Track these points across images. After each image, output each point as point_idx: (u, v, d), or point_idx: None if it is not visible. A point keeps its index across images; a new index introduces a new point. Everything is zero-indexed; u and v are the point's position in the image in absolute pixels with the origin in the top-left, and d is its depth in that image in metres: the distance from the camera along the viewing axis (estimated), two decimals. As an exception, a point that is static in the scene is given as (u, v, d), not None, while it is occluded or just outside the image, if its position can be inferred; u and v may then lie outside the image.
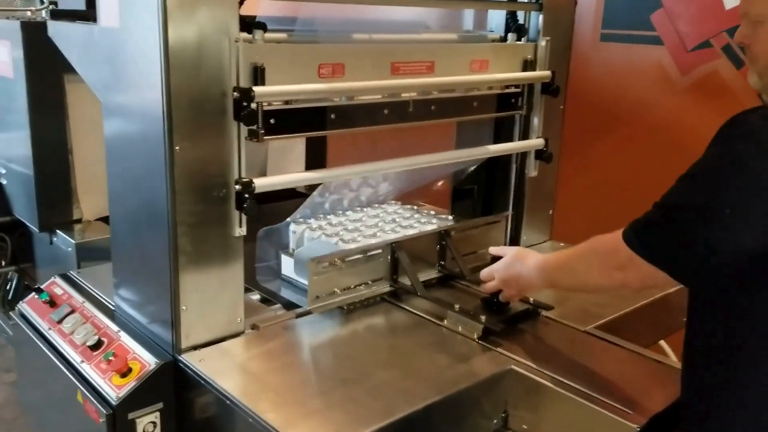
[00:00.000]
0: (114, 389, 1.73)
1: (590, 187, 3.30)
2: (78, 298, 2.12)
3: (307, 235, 2.27)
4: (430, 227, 2.41)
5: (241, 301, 1.87)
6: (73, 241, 2.58)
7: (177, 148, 1.66)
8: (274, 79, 1.76)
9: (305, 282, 2.04)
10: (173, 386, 1.78)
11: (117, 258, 2.01)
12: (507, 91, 2.45)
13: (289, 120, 1.86)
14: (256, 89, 1.71)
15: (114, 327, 1.94)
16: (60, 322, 2.03)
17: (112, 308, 2.05)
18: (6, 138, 2.83)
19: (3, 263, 3.06)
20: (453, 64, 2.21)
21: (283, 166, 3.00)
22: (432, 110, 2.21)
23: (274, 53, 1.78)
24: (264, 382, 1.68)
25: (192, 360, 1.75)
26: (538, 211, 2.70)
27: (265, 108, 1.78)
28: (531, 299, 2.04)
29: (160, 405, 1.77)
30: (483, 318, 1.88)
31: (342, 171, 2.06)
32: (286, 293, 2.19)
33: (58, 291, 2.19)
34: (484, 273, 1.95)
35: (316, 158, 3.22)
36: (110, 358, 1.81)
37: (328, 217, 2.43)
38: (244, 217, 1.79)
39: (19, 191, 2.82)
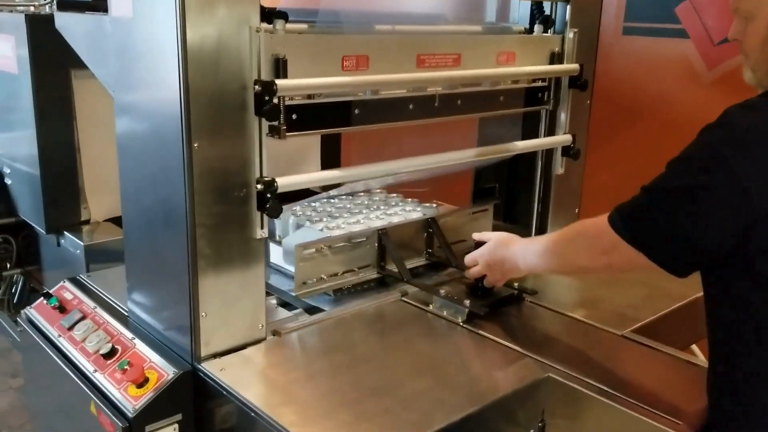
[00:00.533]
0: (130, 400, 1.64)
1: (614, 184, 3.19)
2: (89, 303, 2.03)
3: (292, 221, 2.24)
4: (415, 215, 2.37)
5: (263, 306, 1.78)
6: (81, 243, 2.48)
7: (195, 145, 1.56)
8: (296, 72, 1.67)
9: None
10: (192, 397, 1.69)
11: (130, 261, 1.91)
12: (534, 85, 2.36)
13: (311, 115, 1.77)
14: (279, 82, 1.62)
15: (128, 334, 1.84)
16: (71, 328, 1.94)
17: (126, 314, 1.95)
18: (11, 137, 2.73)
19: (8, 266, 2.97)
20: (479, 56, 2.12)
21: (298, 166, 2.90)
22: (458, 105, 2.12)
23: (297, 44, 1.69)
24: (289, 393, 1.59)
25: (212, 369, 1.65)
26: (563, 210, 2.60)
27: (287, 103, 1.68)
28: (516, 284, 2.08)
29: (179, 416, 1.67)
30: (467, 302, 1.90)
31: (365, 170, 1.96)
32: (276, 281, 2.15)
33: (68, 296, 2.10)
34: (468, 258, 1.97)
35: (330, 157, 3.13)
36: (125, 367, 1.71)
37: (314, 204, 2.43)
38: (265, 219, 1.69)
39: (24, 191, 2.72)
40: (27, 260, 2.98)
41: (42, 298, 2.10)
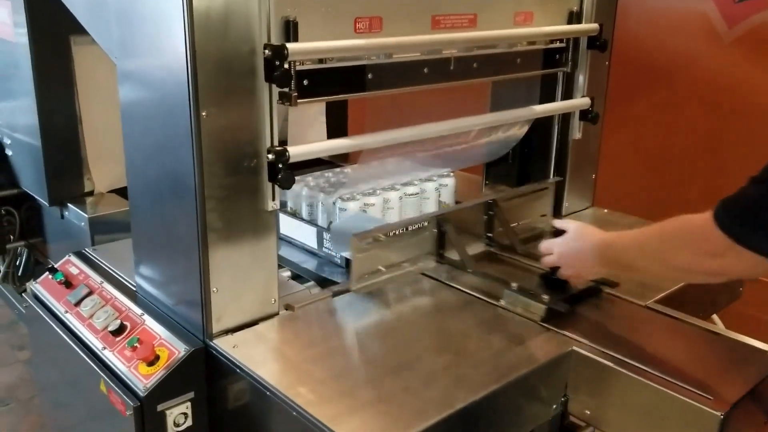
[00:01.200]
0: (141, 379, 1.59)
1: (631, 148, 3.12)
2: (96, 278, 1.97)
3: (306, 193, 2.17)
4: (431, 184, 2.25)
5: (275, 280, 1.72)
6: (86, 215, 2.42)
7: (203, 114, 1.49)
8: (307, 35, 1.59)
9: (345, 254, 1.95)
10: (205, 374, 1.64)
11: (137, 234, 1.85)
12: (551, 46, 2.26)
13: (323, 80, 1.68)
14: (290, 46, 1.53)
15: (137, 310, 1.79)
16: (78, 304, 1.89)
17: (134, 289, 1.90)
18: (10, 107, 2.66)
19: (11, 238, 2.92)
20: (496, 17, 2.03)
21: (305, 136, 2.82)
22: (474, 68, 2.03)
23: (307, 5, 1.60)
24: (305, 371, 1.53)
25: (225, 346, 1.60)
26: (581, 176, 2.53)
27: (298, 68, 1.60)
28: None
29: (191, 395, 1.63)
30: (545, 297, 1.71)
31: (379, 137, 1.87)
32: (287, 253, 2.12)
33: (73, 270, 2.04)
34: (544, 245, 1.79)
35: (336, 127, 3.04)
36: (135, 344, 1.66)
37: (326, 174, 2.35)
38: (277, 190, 1.63)
39: (26, 163, 2.65)
40: (31, 233, 2.93)
41: (47, 272, 2.05)
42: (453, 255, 2.00)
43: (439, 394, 1.44)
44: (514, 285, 1.77)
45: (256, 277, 1.68)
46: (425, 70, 1.91)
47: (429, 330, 1.73)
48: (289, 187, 1.61)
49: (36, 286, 2.04)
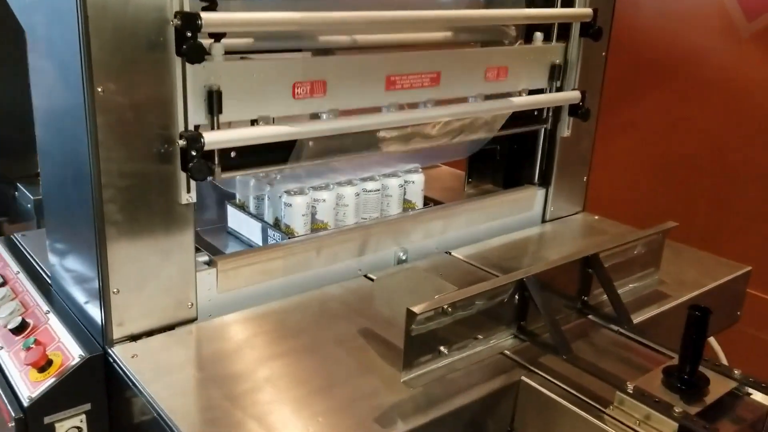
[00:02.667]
0: (28, 387, 1.40)
1: (631, 150, 2.86)
2: (14, 267, 1.80)
3: (254, 183, 1.87)
4: (395, 180, 1.98)
5: (192, 282, 1.52)
6: (31, 197, 2.25)
7: (99, 90, 1.29)
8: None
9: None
10: (104, 384, 1.45)
11: (48, 222, 1.68)
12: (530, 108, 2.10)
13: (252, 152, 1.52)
14: (205, 15, 1.33)
15: (44, 306, 1.61)
16: (-12, 295, 1.71)
17: (50, 282, 1.72)
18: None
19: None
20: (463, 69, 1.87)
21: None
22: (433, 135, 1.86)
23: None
24: (201, 393, 1.33)
25: (122, 355, 1.41)
26: (570, 178, 2.29)
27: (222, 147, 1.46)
28: (736, 370, 1.40)
29: (87, 406, 1.44)
30: (678, 410, 1.25)
31: (334, 124, 1.65)
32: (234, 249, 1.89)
33: (-6, 257, 1.87)
34: None
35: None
36: (31, 345, 1.48)
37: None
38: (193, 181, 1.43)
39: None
40: (-7, 212, 2.78)
41: (-33, 258, 1.88)
42: (537, 324, 1.54)
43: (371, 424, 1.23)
44: (629, 386, 1.31)
45: (168, 278, 1.48)
46: (381, 134, 1.74)
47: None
48: (202, 178, 1.41)
49: (-45, 273, 1.87)
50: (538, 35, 2.05)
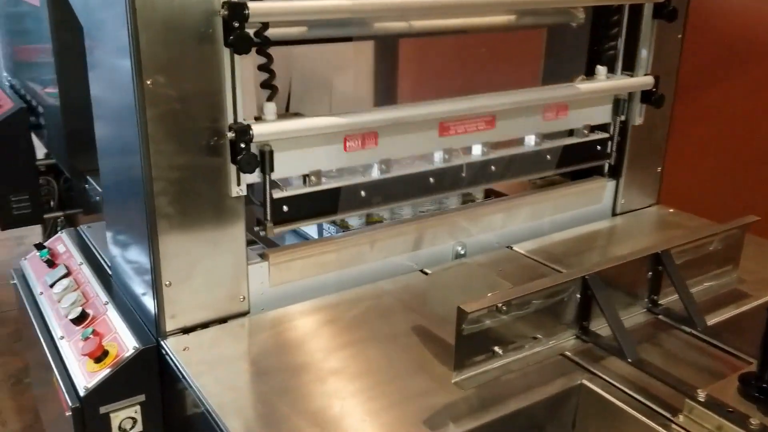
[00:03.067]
0: (85, 377, 1.43)
1: (711, 139, 2.69)
2: (77, 258, 1.84)
3: None
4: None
5: (244, 275, 1.51)
6: (99, 189, 2.30)
7: (148, 82, 1.29)
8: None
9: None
10: (158, 376, 1.46)
11: (108, 214, 1.71)
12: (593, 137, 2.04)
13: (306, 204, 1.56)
14: (252, 5, 1.31)
15: (104, 297, 1.63)
16: (53, 285, 1.76)
17: (110, 274, 1.74)
18: (38, 76, 2.58)
19: (52, 204, 2.87)
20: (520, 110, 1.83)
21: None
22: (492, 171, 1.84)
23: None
24: (254, 387, 1.32)
25: (175, 347, 1.41)
26: (642, 169, 2.17)
27: (277, 196, 1.49)
28: None
29: (142, 398, 1.45)
30: (755, 423, 1.15)
31: (392, 113, 1.61)
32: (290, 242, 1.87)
33: (60, 249, 1.92)
34: None
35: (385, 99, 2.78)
36: (89, 336, 1.51)
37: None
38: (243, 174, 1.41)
39: (53, 132, 2.57)
40: (69, 203, 2.87)
41: (35, 249, 1.93)
42: (600, 324, 1.45)
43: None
44: (700, 394, 1.21)
45: (220, 271, 1.48)
46: (431, 180, 1.72)
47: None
48: (251, 171, 1.39)
49: (24, 263, 1.93)
50: (601, 69, 1.97)
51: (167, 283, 1.42)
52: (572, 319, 1.44)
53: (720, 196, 2.54)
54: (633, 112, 2.07)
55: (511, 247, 1.93)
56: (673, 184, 2.29)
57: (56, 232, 3.01)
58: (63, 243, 1.93)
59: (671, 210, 2.22)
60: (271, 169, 1.44)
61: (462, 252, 1.86)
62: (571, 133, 2.02)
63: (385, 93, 2.46)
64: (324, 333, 1.50)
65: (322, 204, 1.58)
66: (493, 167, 1.82)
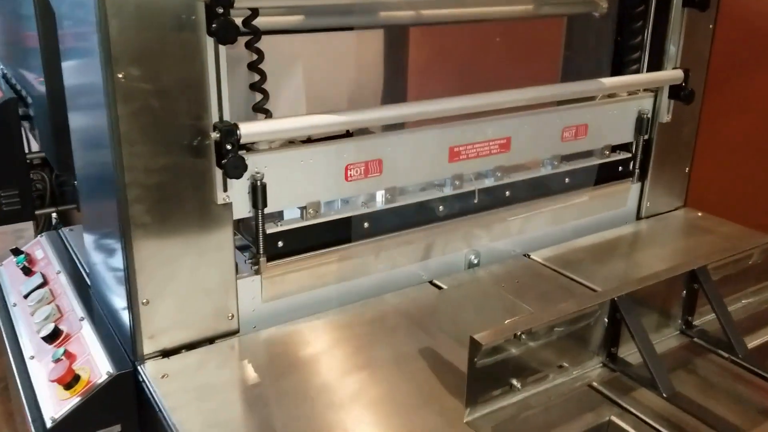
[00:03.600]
0: (54, 405, 1.27)
1: (743, 136, 2.51)
2: (55, 266, 1.69)
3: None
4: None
5: (233, 290, 1.36)
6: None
7: (119, 76, 1.13)
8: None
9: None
10: (136, 405, 1.31)
11: (85, 217, 1.55)
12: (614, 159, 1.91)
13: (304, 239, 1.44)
14: (238, -11, 1.15)
15: (80, 312, 1.48)
16: (27, 296, 1.61)
17: (89, 284, 1.60)
18: (27, 65, 2.43)
19: (45, 199, 2.72)
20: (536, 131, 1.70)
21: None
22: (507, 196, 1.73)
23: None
24: (243, 422, 1.16)
25: (152, 374, 1.26)
26: (669, 169, 2.01)
27: (270, 231, 1.38)
28: None
29: (117, 428, 1.30)
30: None
31: (387, 112, 1.46)
32: None
33: (38, 254, 1.77)
34: None
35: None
36: (60, 357, 1.36)
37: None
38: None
39: (41, 125, 2.42)
40: (63, 200, 2.73)
41: (11, 254, 1.79)
42: (630, 350, 1.28)
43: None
44: None
45: (205, 287, 1.32)
46: (440, 208, 1.60)
47: None
48: (238, 176, 1.24)
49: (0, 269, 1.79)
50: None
51: (144, 301, 1.26)
52: (599, 344, 1.27)
53: (752, 198, 2.36)
54: (660, 108, 1.91)
55: (529, 255, 1.77)
56: (702, 185, 2.12)
57: (49, 229, 2.88)
58: (42, 248, 1.79)
59: (699, 213, 2.05)
60: (264, 204, 1.31)
61: (475, 261, 1.70)
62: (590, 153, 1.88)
63: (392, 89, 2.30)
64: (323, 357, 1.34)
65: (322, 236, 1.45)
66: (507, 192, 1.71)
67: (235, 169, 1.22)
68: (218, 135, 1.21)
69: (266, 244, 1.38)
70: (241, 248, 1.48)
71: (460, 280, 1.63)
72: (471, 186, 1.63)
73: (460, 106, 1.51)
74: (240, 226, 1.43)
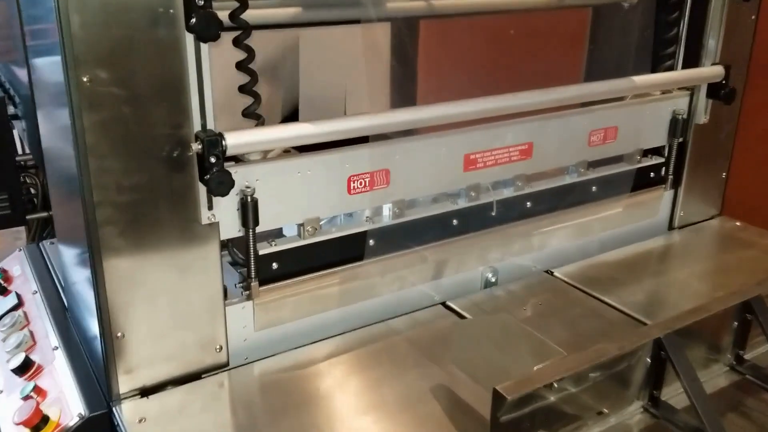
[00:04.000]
0: (17, 452, 1.13)
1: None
2: (32, 284, 1.54)
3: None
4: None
5: (221, 316, 1.21)
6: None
7: (84, 79, 0.98)
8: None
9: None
10: (112, 449, 1.16)
11: (58, 231, 1.41)
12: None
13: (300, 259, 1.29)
14: (221, -22, 0.99)
15: (54, 340, 1.34)
16: (0, 318, 1.46)
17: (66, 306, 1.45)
18: (14, 62, 2.29)
19: (36, 203, 2.58)
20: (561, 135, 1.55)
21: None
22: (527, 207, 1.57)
23: None
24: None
25: (129, 418, 1.11)
26: (705, 175, 1.84)
27: (263, 252, 1.24)
28: None
29: (90, 478, 1.15)
30: None
31: (395, 117, 1.30)
32: None
33: (16, 270, 1.63)
34: None
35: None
36: (29, 394, 1.21)
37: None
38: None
39: (28, 124, 2.28)
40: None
41: (-14, 270, 1.64)
42: (676, 391, 1.12)
43: None
44: None
45: (189, 316, 1.17)
46: (454, 221, 1.45)
47: None
48: (224, 193, 1.08)
49: (-28, 287, 1.64)
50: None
51: (119, 335, 1.11)
52: (640, 386, 1.11)
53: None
54: (697, 108, 1.74)
55: (551, 272, 1.60)
56: (739, 192, 1.95)
57: (41, 234, 2.74)
58: (20, 263, 1.64)
59: (738, 223, 1.88)
60: (256, 223, 1.16)
61: (493, 279, 1.54)
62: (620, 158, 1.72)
63: (400, 90, 2.13)
64: (324, 397, 1.19)
65: (322, 256, 1.30)
66: (528, 203, 1.55)
67: (220, 185, 1.06)
68: (200, 146, 1.05)
69: (259, 266, 1.22)
70: (236, 264, 1.33)
71: (476, 302, 1.47)
72: (488, 197, 1.47)
73: (477, 110, 1.35)
74: (230, 242, 1.28)
